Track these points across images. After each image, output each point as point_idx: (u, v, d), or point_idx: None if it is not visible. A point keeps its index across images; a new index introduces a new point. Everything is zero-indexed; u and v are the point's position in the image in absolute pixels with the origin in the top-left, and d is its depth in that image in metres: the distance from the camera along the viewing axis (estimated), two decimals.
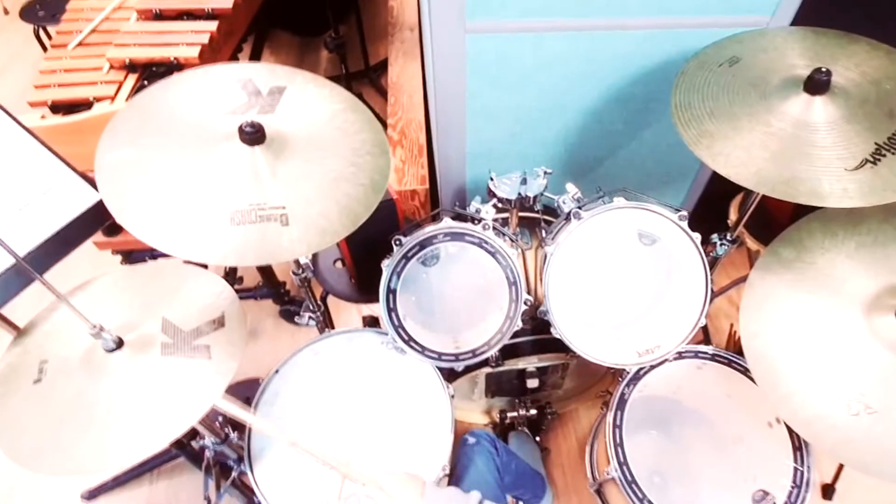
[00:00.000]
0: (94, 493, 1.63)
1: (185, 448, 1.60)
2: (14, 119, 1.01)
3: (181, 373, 0.95)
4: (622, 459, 1.11)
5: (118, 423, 0.90)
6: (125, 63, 1.37)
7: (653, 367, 1.17)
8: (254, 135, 0.89)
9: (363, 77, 2.60)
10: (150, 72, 1.38)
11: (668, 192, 1.61)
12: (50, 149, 1.03)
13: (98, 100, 1.32)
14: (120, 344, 0.95)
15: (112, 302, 1.04)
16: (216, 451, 1.30)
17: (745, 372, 1.14)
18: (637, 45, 1.20)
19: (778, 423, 1.14)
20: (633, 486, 1.10)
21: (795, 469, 1.07)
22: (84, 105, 1.33)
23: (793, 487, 1.06)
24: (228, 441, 1.28)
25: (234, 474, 1.45)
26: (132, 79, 1.36)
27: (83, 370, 0.95)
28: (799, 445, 1.08)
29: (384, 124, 2.02)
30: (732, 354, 1.17)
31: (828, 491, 1.54)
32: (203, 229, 0.84)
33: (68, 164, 1.05)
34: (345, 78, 2.37)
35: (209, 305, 1.05)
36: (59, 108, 1.33)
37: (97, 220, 1.06)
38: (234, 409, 0.95)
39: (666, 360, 1.15)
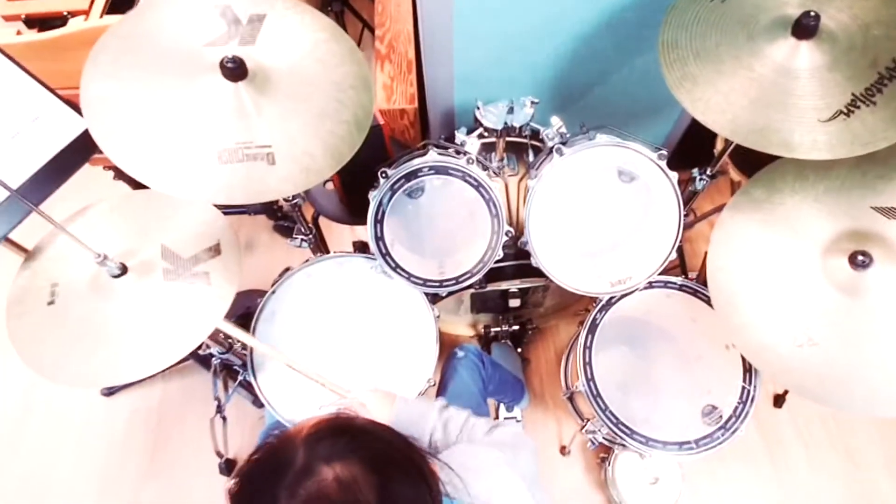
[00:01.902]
0: (112, 390, 1.79)
1: (193, 352, 1.74)
2: None
3: (184, 297, 1.03)
4: (590, 376, 1.23)
5: (129, 340, 1.00)
6: None
7: (624, 295, 1.25)
8: (236, 70, 0.89)
9: None
10: None
11: (658, 119, 1.60)
12: (36, 78, 1.03)
13: (72, 14, 1.28)
14: (124, 270, 1.02)
15: (111, 228, 1.10)
16: (222, 359, 1.42)
17: (708, 301, 1.22)
18: None
19: (734, 346, 1.24)
20: (598, 398, 1.22)
21: (743, 388, 1.19)
22: (59, 18, 1.29)
23: (739, 403, 1.18)
24: (233, 350, 1.40)
25: (240, 377, 1.59)
26: None
27: (92, 293, 1.03)
28: (749, 368, 1.19)
29: (372, 32, 1.93)
30: (698, 285, 1.25)
31: (778, 400, 1.70)
32: (192, 168, 0.87)
33: (55, 93, 1.05)
34: None
35: (204, 233, 1.10)
36: (33, 22, 1.29)
37: (89, 148, 1.07)
38: (237, 332, 1.04)
39: (636, 290, 1.23)
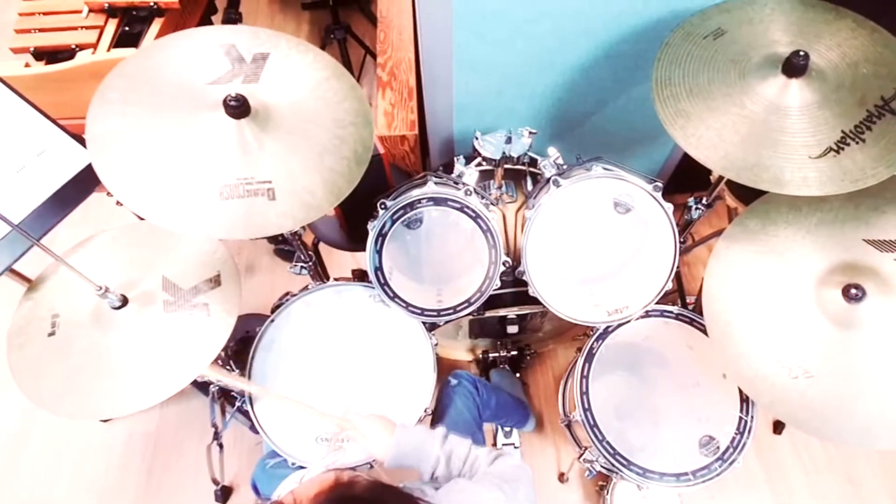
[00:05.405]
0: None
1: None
2: (5, 84, 1.01)
3: (183, 328, 1.04)
4: (586, 406, 1.23)
5: (129, 372, 1.00)
6: (104, 7, 1.34)
7: (621, 324, 1.26)
8: (238, 108, 0.91)
9: (352, 3, 2.48)
10: (131, 16, 1.35)
11: (656, 145, 1.62)
12: (42, 111, 1.05)
13: (80, 47, 1.31)
14: (125, 302, 1.03)
15: (113, 259, 1.11)
16: (220, 386, 1.42)
17: (704, 330, 1.23)
18: (627, 1, 1.18)
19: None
20: (595, 428, 1.22)
21: (740, 418, 1.19)
22: (66, 51, 1.32)
23: (736, 434, 1.18)
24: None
25: (237, 403, 1.59)
26: (112, 24, 1.34)
27: (93, 324, 1.03)
28: (746, 398, 1.19)
29: (374, 58, 1.96)
30: (694, 314, 1.25)
31: (778, 427, 1.69)
32: (193, 203, 0.88)
33: (61, 127, 1.07)
34: (332, 5, 2.25)
35: (205, 264, 1.12)
36: (41, 54, 1.31)
37: (91, 182, 1.09)
38: (224, 379, 1.05)
39: (632, 320, 1.23)
